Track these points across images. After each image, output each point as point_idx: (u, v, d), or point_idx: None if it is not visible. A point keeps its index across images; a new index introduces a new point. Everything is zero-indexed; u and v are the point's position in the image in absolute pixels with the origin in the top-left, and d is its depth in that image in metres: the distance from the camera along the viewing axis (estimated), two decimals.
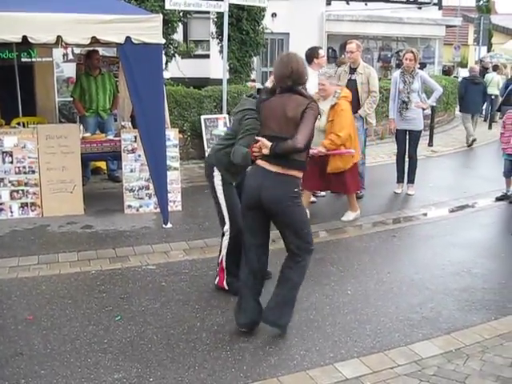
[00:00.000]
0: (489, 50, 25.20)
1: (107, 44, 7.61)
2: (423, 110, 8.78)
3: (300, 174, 4.30)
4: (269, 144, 4.12)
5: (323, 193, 8.43)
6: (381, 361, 4.09)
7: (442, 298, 5.16)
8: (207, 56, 19.22)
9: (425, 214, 7.98)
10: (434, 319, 4.74)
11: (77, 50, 10.26)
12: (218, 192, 4.95)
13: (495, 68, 17.95)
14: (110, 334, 4.40)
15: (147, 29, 6.59)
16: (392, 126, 8.84)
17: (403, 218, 7.74)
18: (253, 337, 4.39)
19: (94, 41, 6.66)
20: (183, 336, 4.40)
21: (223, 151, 4.85)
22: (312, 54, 8.12)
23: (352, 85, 8.21)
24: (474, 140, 13.79)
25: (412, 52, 8.66)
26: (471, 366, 4.02)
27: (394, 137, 9.17)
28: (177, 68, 14.19)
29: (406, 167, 8.92)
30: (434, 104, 10.70)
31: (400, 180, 9.01)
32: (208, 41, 18.05)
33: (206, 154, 7.27)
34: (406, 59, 8.54)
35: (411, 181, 8.89)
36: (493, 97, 17.17)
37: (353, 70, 8.33)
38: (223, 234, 5.10)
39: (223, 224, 5.05)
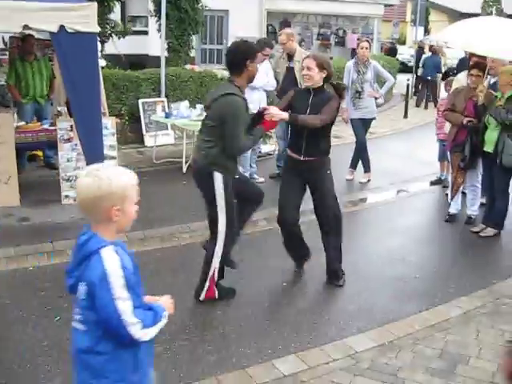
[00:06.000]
0: (426, 29, 25.67)
1: None
2: (376, 99, 8.88)
3: None
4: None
5: (262, 178, 8.49)
6: (317, 356, 4.20)
7: (377, 287, 5.33)
8: (145, 32, 18.90)
9: (362, 200, 8.17)
10: (368, 310, 4.90)
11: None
12: (218, 198, 4.65)
13: (431, 49, 17.78)
14: (50, 336, 4.33)
15: (81, 17, 6.41)
16: (345, 116, 8.82)
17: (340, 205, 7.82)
18: (192, 334, 4.44)
19: (27, 28, 6.47)
20: None
21: (216, 149, 4.61)
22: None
23: (291, 72, 8.27)
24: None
25: (367, 41, 8.76)
26: (403, 358, 4.18)
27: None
28: (114, 48, 13.93)
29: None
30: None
31: (352, 166, 9.06)
32: (146, 17, 17.75)
33: (189, 163, 6.09)
34: (362, 48, 8.56)
35: (367, 168, 8.95)
36: (429, 77, 17.35)
37: (290, 57, 8.34)
38: (211, 242, 4.84)
39: (215, 226, 4.75)
